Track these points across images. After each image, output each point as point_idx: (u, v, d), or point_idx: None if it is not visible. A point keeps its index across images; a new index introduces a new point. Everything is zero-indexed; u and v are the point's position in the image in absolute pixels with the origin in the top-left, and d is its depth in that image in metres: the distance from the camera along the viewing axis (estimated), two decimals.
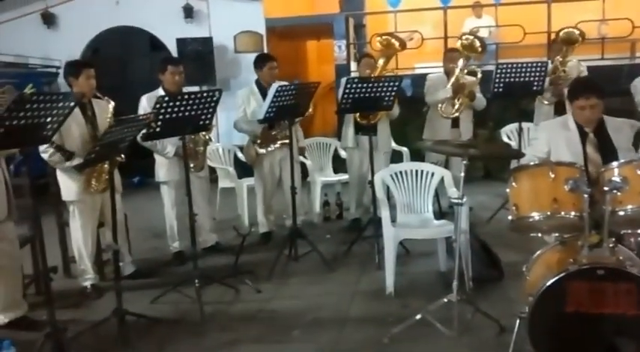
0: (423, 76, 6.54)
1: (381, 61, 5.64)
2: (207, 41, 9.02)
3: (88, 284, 4.56)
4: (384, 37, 5.74)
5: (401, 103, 5.71)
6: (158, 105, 3.86)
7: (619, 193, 2.90)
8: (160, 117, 3.89)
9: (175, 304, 4.25)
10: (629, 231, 3.15)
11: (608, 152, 3.38)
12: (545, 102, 6.17)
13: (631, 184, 2.90)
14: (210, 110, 4.16)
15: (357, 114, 5.53)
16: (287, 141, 5.19)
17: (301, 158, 6.05)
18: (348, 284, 4.56)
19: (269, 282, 4.62)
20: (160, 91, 4.95)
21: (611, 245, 2.92)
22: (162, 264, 5.21)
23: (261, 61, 5.57)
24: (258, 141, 5.49)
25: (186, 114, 4.01)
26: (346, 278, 4.69)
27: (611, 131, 3.45)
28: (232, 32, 9.09)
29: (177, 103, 3.95)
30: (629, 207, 2.94)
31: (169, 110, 3.92)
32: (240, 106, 5.53)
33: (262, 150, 5.50)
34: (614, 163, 3.06)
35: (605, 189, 2.89)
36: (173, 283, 4.41)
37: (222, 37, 9.12)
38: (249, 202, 6.25)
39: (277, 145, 5.45)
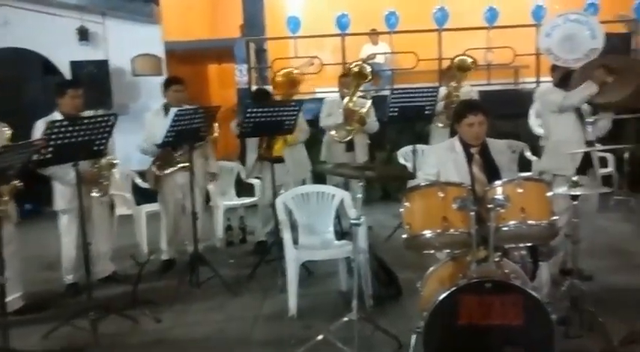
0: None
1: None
2: (103, 64, 8.80)
3: None
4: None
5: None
6: (49, 131, 3.71)
7: (502, 210, 3.09)
8: (52, 142, 3.74)
9: (70, 338, 4.04)
10: (513, 246, 3.35)
11: (491, 172, 3.58)
12: (440, 125, 6.47)
13: (512, 202, 3.10)
14: (105, 135, 4.05)
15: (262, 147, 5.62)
16: (188, 164, 5.14)
17: (211, 185, 5.97)
18: (251, 308, 4.54)
19: (170, 311, 4.51)
20: (57, 115, 4.73)
21: (496, 259, 3.12)
22: (55, 297, 4.94)
23: (166, 84, 5.52)
24: (158, 163, 5.39)
25: (80, 139, 3.88)
26: (249, 302, 4.66)
27: (493, 152, 3.67)
28: (130, 55, 8.92)
29: (70, 128, 3.81)
30: (512, 222, 3.13)
31: (61, 135, 3.77)
32: (145, 128, 5.43)
33: (161, 173, 5.39)
34: (497, 182, 3.26)
35: (490, 206, 3.08)
36: (66, 316, 4.19)
37: (120, 60, 8.92)
38: (148, 229, 6.09)
39: (176, 168, 5.35)
